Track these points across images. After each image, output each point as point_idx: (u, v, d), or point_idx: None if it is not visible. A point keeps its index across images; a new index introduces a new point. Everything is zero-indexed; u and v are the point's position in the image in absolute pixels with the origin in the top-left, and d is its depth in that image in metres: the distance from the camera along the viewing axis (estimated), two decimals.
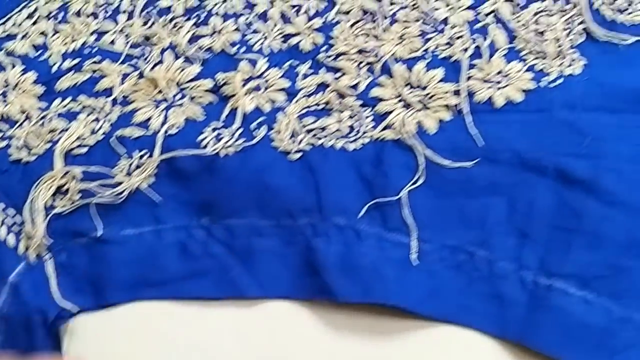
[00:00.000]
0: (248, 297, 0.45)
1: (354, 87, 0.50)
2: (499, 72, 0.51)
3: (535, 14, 0.53)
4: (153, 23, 0.53)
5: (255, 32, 0.53)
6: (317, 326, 0.44)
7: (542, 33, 0.52)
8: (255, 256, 0.46)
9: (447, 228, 0.46)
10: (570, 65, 0.51)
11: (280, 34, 0.53)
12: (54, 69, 0.51)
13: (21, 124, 0.49)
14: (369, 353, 0.43)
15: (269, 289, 0.45)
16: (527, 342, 0.43)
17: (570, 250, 0.45)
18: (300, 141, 0.48)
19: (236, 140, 0.48)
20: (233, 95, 0.50)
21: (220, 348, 0.44)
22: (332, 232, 0.46)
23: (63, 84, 0.51)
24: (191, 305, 0.45)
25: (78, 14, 0.54)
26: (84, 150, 0.48)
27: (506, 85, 0.50)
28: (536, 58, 0.51)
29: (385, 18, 0.53)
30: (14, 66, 0.52)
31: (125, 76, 0.51)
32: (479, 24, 0.53)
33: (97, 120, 0.49)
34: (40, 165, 0.47)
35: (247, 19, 0.53)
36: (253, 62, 0.51)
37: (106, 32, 0.53)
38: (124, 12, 0.54)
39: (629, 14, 0.53)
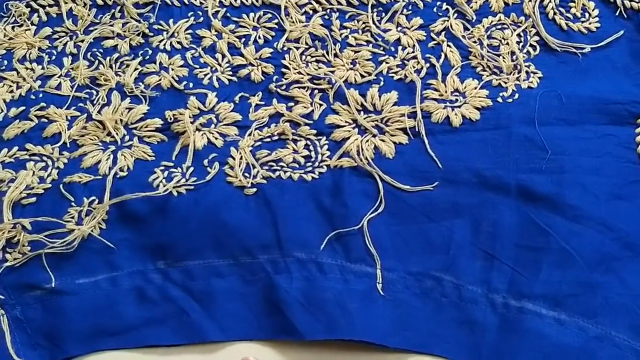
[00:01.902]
0: (209, 341, 0.43)
1: (308, 115, 0.49)
2: (455, 91, 0.50)
3: (488, 29, 0.52)
4: (99, 64, 0.52)
5: (203, 66, 0.52)
6: None
7: (496, 48, 0.51)
8: (215, 297, 0.44)
9: (411, 254, 0.45)
10: (526, 79, 0.50)
11: (229, 66, 0.52)
12: (0, 117, 0.50)
13: None
14: None
15: (230, 332, 0.43)
16: None
17: (539, 269, 0.44)
18: (256, 175, 0.47)
19: (188, 179, 0.47)
20: (183, 133, 0.48)
21: None
22: (294, 267, 0.44)
23: (9, 132, 0.49)
24: (151, 353, 0.44)
25: (22, 60, 0.52)
26: (33, 200, 0.46)
27: (462, 104, 0.49)
28: (492, 74, 0.50)
29: (336, 43, 0.52)
30: None
31: (72, 120, 0.49)
32: (432, 43, 0.52)
33: (45, 167, 0.47)
34: None
35: (194, 53, 0.52)
36: (202, 97, 0.50)
37: (51, 77, 0.51)
38: (69, 54, 0.52)
39: (584, 22, 0.52)
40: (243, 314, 0.44)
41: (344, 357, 0.42)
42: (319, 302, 0.43)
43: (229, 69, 0.52)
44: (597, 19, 0.53)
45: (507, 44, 0.51)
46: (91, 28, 0.53)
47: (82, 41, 0.52)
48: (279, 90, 0.50)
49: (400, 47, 0.52)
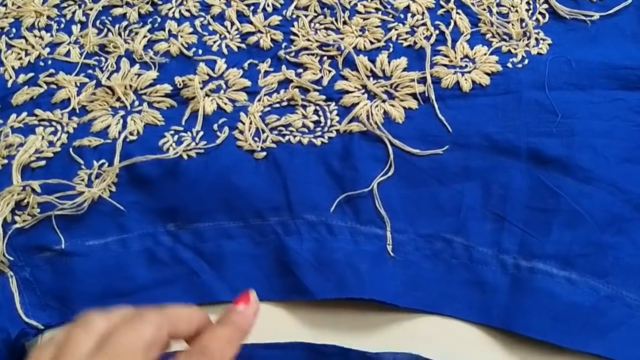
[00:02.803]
0: (220, 301, 0.43)
1: (317, 82, 0.49)
2: (465, 57, 0.50)
3: None
4: (108, 31, 0.52)
5: (212, 33, 0.52)
6: (295, 326, 0.42)
7: (505, 15, 0.52)
8: (226, 259, 0.44)
9: (421, 217, 0.45)
10: (536, 45, 0.50)
11: (238, 33, 0.52)
12: (9, 84, 0.50)
13: None
14: (350, 345, 0.41)
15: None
16: (513, 326, 0.41)
17: (550, 230, 0.44)
18: (265, 139, 0.47)
19: (198, 143, 0.46)
20: (193, 98, 0.48)
21: None
22: (304, 229, 0.44)
23: (18, 98, 0.49)
24: None
25: (31, 28, 0.52)
26: (42, 163, 0.46)
27: (472, 70, 0.49)
28: (501, 40, 0.51)
29: (345, 11, 0.52)
30: None
31: (81, 86, 0.50)
32: (441, 10, 0.52)
33: (54, 132, 0.47)
34: None
35: (203, 21, 0.52)
36: (212, 64, 0.50)
37: (60, 44, 0.52)
38: (78, 22, 0.52)
39: None
40: (254, 275, 0.44)
41: (355, 316, 0.42)
42: (329, 263, 0.43)
43: (238, 36, 0.52)
44: None
45: (517, 11, 0.52)
46: None
47: (91, 9, 0.53)
48: (288, 57, 0.50)
49: (409, 14, 0.52)
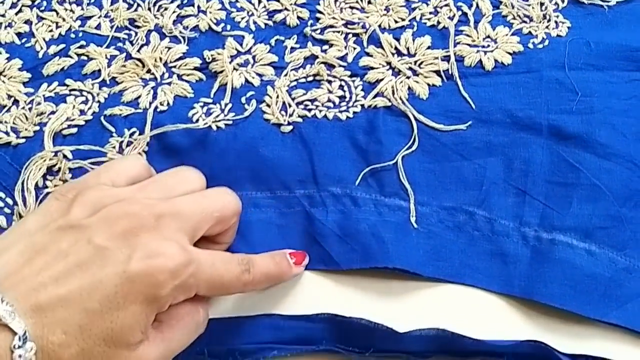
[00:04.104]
0: None
1: (343, 58, 0.50)
2: (487, 37, 0.51)
3: None
4: (138, 6, 0.53)
5: (240, 10, 0.53)
6: (320, 294, 0.43)
7: None
8: (252, 227, 0.45)
9: (444, 190, 0.46)
10: (555, 28, 0.51)
11: (265, 10, 0.53)
12: (40, 55, 0.51)
13: (9, 109, 0.48)
14: (374, 312, 0.42)
15: None
16: (534, 295, 0.42)
17: (570, 204, 0.45)
18: (292, 113, 0.48)
19: (227, 115, 0.48)
20: (221, 72, 0.49)
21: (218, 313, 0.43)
22: (329, 201, 0.45)
23: (49, 69, 0.50)
24: None
25: (62, 1, 0.53)
26: (74, 130, 0.47)
27: (495, 49, 0.50)
28: (522, 22, 0.52)
29: None
30: None
31: (112, 59, 0.51)
32: None
33: (85, 101, 0.48)
34: (30, 147, 0.46)
35: None
36: (240, 39, 0.51)
37: (91, 17, 0.53)
38: None
39: None
40: (279, 244, 0.44)
41: (378, 284, 0.43)
42: (354, 233, 0.43)
43: (265, 13, 0.53)
44: None
45: None
46: None
47: None
48: (313, 34, 0.52)
49: None
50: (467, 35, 0.51)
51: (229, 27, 0.52)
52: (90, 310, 0.33)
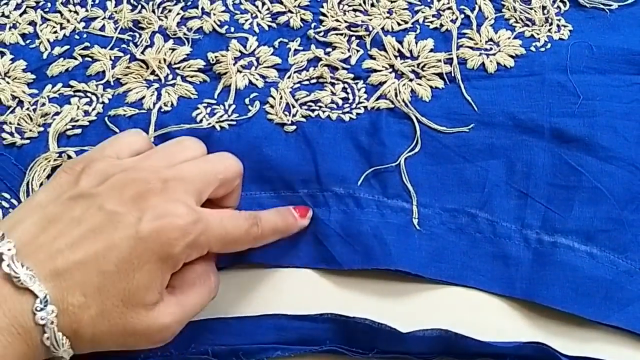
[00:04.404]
0: (251, 262, 0.44)
1: (346, 60, 0.51)
2: (489, 40, 0.51)
3: None
4: (142, 8, 0.53)
5: (244, 12, 0.53)
6: (322, 293, 0.43)
7: (528, 2, 0.53)
8: None
9: (446, 192, 0.46)
10: (557, 31, 0.52)
11: (269, 13, 0.53)
12: (44, 56, 0.51)
13: (13, 110, 0.48)
14: (376, 313, 0.42)
15: (270, 257, 0.44)
16: (535, 298, 0.42)
17: (572, 206, 0.45)
18: (295, 114, 0.48)
19: (230, 115, 0.48)
20: (225, 73, 0.50)
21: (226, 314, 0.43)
22: (332, 202, 0.45)
23: (54, 70, 0.50)
24: None
25: (66, 3, 0.54)
26: (78, 131, 0.47)
27: (497, 52, 0.51)
28: (524, 25, 0.52)
29: None
30: (2, 55, 0.51)
31: (116, 60, 0.51)
32: None
33: (89, 102, 0.49)
34: (35, 148, 0.47)
35: (235, 0, 0.54)
36: (243, 41, 0.52)
37: (95, 19, 0.53)
38: None
39: None
40: (283, 243, 0.44)
41: (380, 285, 0.43)
42: (357, 234, 0.44)
43: (269, 15, 0.53)
44: None
45: None
46: None
47: None
48: (317, 36, 0.52)
49: None
50: (470, 38, 0.51)
51: (232, 29, 0.52)
52: (107, 272, 0.34)
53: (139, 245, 0.35)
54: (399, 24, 0.52)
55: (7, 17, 0.53)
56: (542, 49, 0.51)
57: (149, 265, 0.35)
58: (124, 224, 0.35)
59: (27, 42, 0.52)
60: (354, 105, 0.49)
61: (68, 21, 0.53)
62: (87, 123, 0.48)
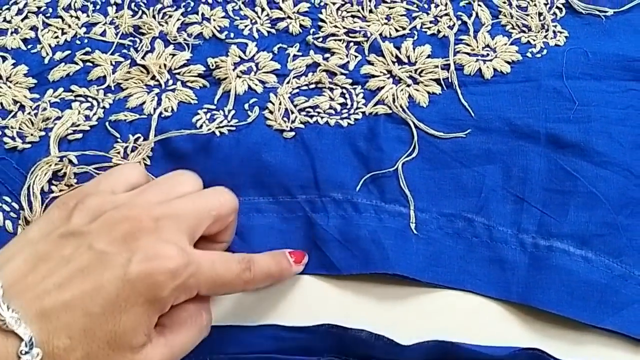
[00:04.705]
0: None
1: (344, 66, 0.51)
2: (486, 46, 0.52)
3: None
4: (142, 14, 0.54)
5: (243, 18, 0.54)
6: (320, 298, 0.44)
7: (524, 8, 0.54)
8: (254, 231, 0.45)
9: (443, 197, 0.47)
10: (554, 37, 0.52)
11: (268, 19, 0.54)
12: (46, 60, 0.52)
13: (15, 114, 0.49)
14: (374, 318, 0.43)
15: None
16: (531, 301, 0.43)
17: (567, 211, 0.45)
18: (294, 120, 0.49)
19: (230, 121, 0.48)
20: (225, 79, 0.50)
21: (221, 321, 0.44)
22: (330, 207, 0.46)
23: (55, 74, 0.51)
24: None
25: (67, 8, 0.54)
26: (79, 136, 0.48)
27: (493, 58, 0.51)
28: (521, 32, 0.53)
29: (371, 0, 0.54)
30: (4, 60, 0.52)
31: (117, 65, 0.51)
32: (463, 2, 0.54)
33: (90, 107, 0.49)
34: (36, 152, 0.47)
35: (234, 6, 0.54)
36: (243, 47, 0.52)
37: (96, 24, 0.53)
38: (113, 4, 0.54)
39: None
40: (280, 248, 0.45)
41: (377, 289, 0.44)
42: (355, 239, 0.44)
43: (268, 21, 0.54)
44: None
45: (535, 5, 0.54)
46: None
47: None
48: (315, 42, 0.52)
49: (433, 5, 0.54)
50: (467, 44, 0.52)
51: (232, 34, 0.53)
52: (94, 314, 0.34)
53: (127, 287, 0.34)
54: (396, 30, 0.53)
55: (9, 22, 0.54)
56: (538, 55, 0.51)
57: (136, 308, 0.34)
58: (112, 264, 0.35)
59: (29, 47, 0.53)
60: (352, 111, 0.49)
61: (69, 26, 0.53)
62: (88, 128, 0.48)
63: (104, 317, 0.34)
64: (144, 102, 0.49)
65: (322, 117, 0.49)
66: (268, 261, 0.41)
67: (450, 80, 0.50)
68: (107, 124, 0.48)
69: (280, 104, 0.49)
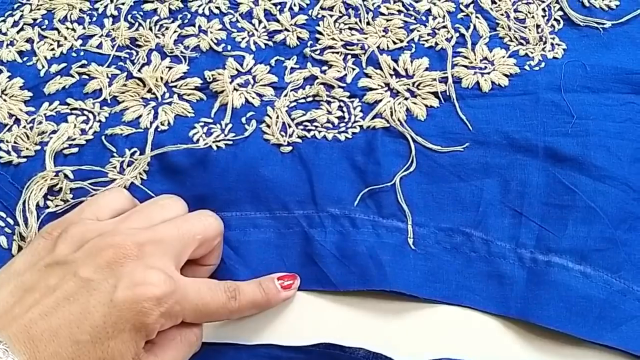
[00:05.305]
0: None
1: (342, 79, 0.51)
2: (484, 59, 0.52)
3: (514, 2, 0.55)
4: (139, 26, 0.53)
5: (241, 30, 0.53)
6: (317, 314, 0.44)
7: (522, 20, 0.54)
8: (250, 246, 0.45)
9: (441, 211, 0.46)
10: (552, 50, 0.52)
11: (265, 31, 0.53)
12: (42, 73, 0.51)
13: (10, 128, 0.49)
14: (371, 335, 0.43)
15: None
16: (530, 317, 0.42)
17: (566, 225, 0.45)
18: (291, 134, 0.48)
19: (227, 135, 0.48)
20: (222, 92, 0.50)
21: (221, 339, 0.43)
22: (328, 222, 0.46)
23: (51, 87, 0.50)
24: None
25: (63, 20, 0.54)
26: (75, 150, 0.48)
27: (491, 71, 0.51)
28: (519, 44, 0.53)
29: (368, 12, 0.54)
30: (0, 72, 0.51)
31: (113, 77, 0.51)
32: (461, 14, 0.54)
33: (86, 120, 0.49)
34: (31, 166, 0.47)
35: (232, 18, 0.54)
36: (240, 59, 0.52)
37: (92, 36, 0.53)
38: (110, 16, 0.54)
39: None
40: (277, 264, 0.45)
41: (375, 305, 0.44)
42: (352, 255, 0.44)
43: (266, 33, 0.53)
44: None
45: (533, 17, 0.54)
46: None
47: (123, 4, 0.54)
48: (313, 54, 0.52)
49: (430, 17, 0.54)
50: (465, 57, 0.52)
51: (229, 47, 0.53)
52: (81, 341, 0.34)
53: (113, 313, 0.34)
54: (394, 43, 0.53)
55: (5, 34, 0.53)
56: (536, 68, 0.51)
57: (124, 335, 0.35)
58: (98, 291, 0.35)
59: (25, 59, 0.52)
60: (349, 124, 0.49)
61: (65, 38, 0.53)
62: (84, 142, 0.48)
63: (91, 344, 0.34)
64: (140, 116, 0.49)
65: (319, 131, 0.49)
66: (254, 290, 0.41)
67: (448, 94, 0.50)
68: (103, 138, 0.48)
69: (277, 117, 0.49)
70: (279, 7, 0.54)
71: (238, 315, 0.41)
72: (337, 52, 0.52)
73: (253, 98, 0.50)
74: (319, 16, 0.54)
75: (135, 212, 0.41)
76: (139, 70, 0.51)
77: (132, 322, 0.35)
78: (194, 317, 0.38)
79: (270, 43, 0.53)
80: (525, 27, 0.53)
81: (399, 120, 0.49)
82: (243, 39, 0.53)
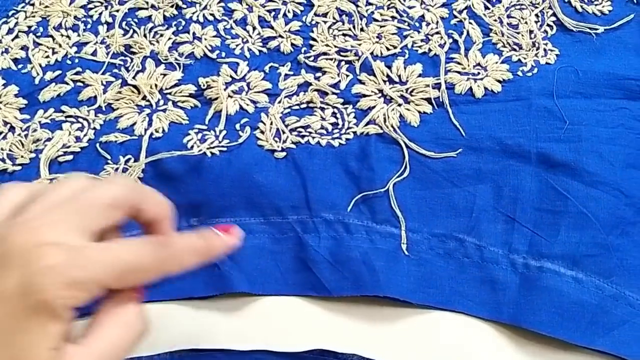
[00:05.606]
0: (237, 291, 0.44)
1: (335, 85, 0.51)
2: (477, 65, 0.52)
3: (507, 8, 0.55)
4: (133, 33, 0.54)
5: (235, 37, 0.54)
6: (311, 320, 0.44)
7: (515, 26, 0.54)
8: (245, 252, 0.45)
9: (434, 217, 0.47)
10: (544, 55, 0.52)
11: (259, 38, 0.54)
12: (36, 80, 0.52)
13: (5, 135, 0.49)
14: (364, 341, 0.43)
15: (258, 286, 0.44)
16: (522, 323, 0.43)
17: (558, 231, 0.45)
18: (285, 140, 0.49)
19: (221, 141, 0.48)
20: (216, 99, 0.50)
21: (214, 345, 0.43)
22: (322, 228, 0.46)
23: (45, 95, 0.51)
24: (184, 306, 0.45)
25: (58, 28, 0.54)
26: (70, 157, 0.48)
27: (484, 77, 0.51)
28: (512, 50, 0.53)
29: (362, 18, 0.54)
30: None
31: (107, 85, 0.51)
32: (454, 20, 0.54)
33: (81, 128, 0.49)
34: (26, 174, 0.47)
35: (226, 25, 0.54)
36: (234, 66, 0.52)
37: (87, 44, 0.54)
38: (104, 23, 0.54)
39: (598, 5, 0.55)
40: (271, 270, 0.45)
41: (368, 310, 0.44)
42: (346, 261, 0.44)
43: (260, 40, 0.54)
44: (609, 2, 0.55)
45: (526, 23, 0.54)
46: None
47: (117, 11, 0.55)
48: (307, 61, 0.52)
49: (424, 23, 0.54)
50: (458, 63, 0.52)
51: (224, 54, 0.53)
52: None
53: (6, 305, 0.30)
54: (387, 49, 0.53)
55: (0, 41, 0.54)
56: (529, 74, 0.51)
57: (27, 323, 0.30)
58: None
59: (19, 66, 0.53)
60: (343, 131, 0.49)
61: (60, 46, 0.53)
62: (79, 149, 0.48)
63: None
64: (134, 123, 0.49)
65: (313, 137, 0.49)
66: (189, 235, 0.35)
67: (441, 100, 0.50)
68: (97, 145, 0.48)
69: (271, 123, 0.49)
70: (273, 13, 0.55)
71: (178, 267, 0.35)
72: (331, 59, 0.52)
73: (247, 105, 0.50)
74: (313, 23, 0.54)
75: (31, 201, 0.35)
76: (133, 78, 0.51)
77: (31, 306, 0.30)
78: (117, 280, 0.32)
79: (265, 50, 0.53)
80: (518, 33, 0.54)
81: (392, 126, 0.49)
82: (237, 45, 0.53)
